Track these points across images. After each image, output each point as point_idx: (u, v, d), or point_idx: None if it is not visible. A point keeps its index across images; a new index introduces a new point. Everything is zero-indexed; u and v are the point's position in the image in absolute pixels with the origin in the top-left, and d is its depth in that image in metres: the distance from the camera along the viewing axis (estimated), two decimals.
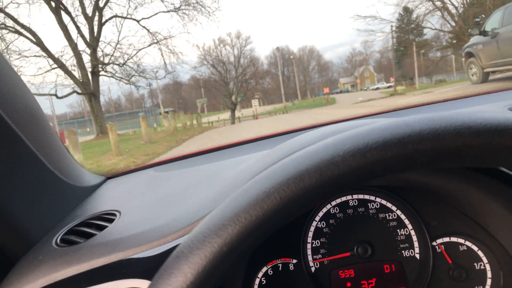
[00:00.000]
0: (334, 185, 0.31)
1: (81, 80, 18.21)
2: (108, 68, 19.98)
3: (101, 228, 0.67)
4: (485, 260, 0.68)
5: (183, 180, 0.84)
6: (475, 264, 0.68)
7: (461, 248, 0.69)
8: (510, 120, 0.31)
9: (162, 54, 24.53)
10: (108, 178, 1.01)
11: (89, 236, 0.65)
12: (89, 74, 18.64)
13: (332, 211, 0.73)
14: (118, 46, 20.46)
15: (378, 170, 0.31)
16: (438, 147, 0.30)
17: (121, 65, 20.27)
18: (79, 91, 18.71)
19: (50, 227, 0.70)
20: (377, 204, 0.73)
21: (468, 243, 0.69)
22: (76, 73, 18.45)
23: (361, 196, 0.73)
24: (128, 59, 20.43)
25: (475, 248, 0.69)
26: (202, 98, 36.19)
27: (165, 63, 22.66)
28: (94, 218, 0.71)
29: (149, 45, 21.43)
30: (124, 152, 9.42)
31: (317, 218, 0.73)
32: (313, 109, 27.74)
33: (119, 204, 0.76)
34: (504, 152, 0.31)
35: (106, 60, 19.84)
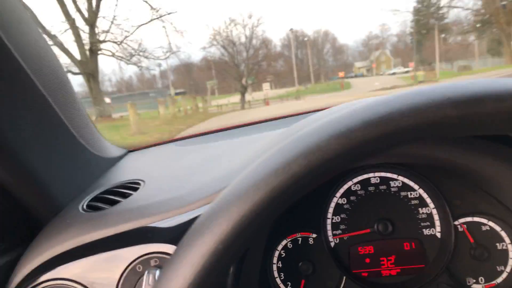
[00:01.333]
0: (321, 172, 0.32)
1: (79, 59, 17.01)
2: (108, 46, 18.54)
3: (125, 196, 0.69)
4: (507, 240, 0.69)
5: (206, 154, 0.86)
6: (497, 244, 0.69)
7: (483, 228, 0.70)
8: (484, 88, 0.31)
9: (166, 32, 22.30)
10: (130, 151, 1.04)
11: (114, 203, 0.67)
12: (87, 53, 17.08)
13: (353, 188, 0.75)
14: (116, 22, 18.96)
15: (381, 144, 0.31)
16: (419, 122, 0.30)
17: (118, 43, 18.50)
18: (74, 70, 17.34)
19: (76, 194, 0.73)
20: (399, 182, 0.74)
21: (491, 223, 0.70)
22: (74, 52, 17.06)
23: (383, 174, 0.74)
24: (126, 37, 18.56)
25: (498, 228, 0.69)
26: (212, 80, 35.86)
27: (169, 42, 21.35)
28: (118, 187, 0.74)
29: (150, 21, 19.39)
30: None
31: (338, 194, 0.75)
32: (327, 94, 27.13)
33: (142, 174, 0.79)
34: (487, 119, 0.30)
35: (104, 37, 18.01)
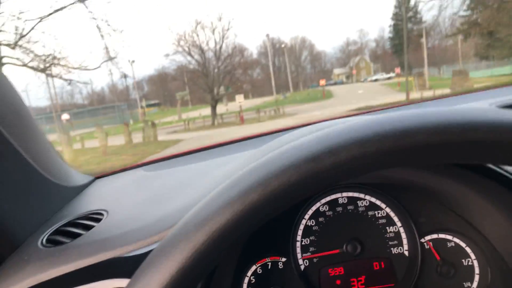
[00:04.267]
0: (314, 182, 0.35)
1: None
2: (19, 54, 13.28)
3: (88, 228, 0.72)
4: (473, 256, 0.75)
5: (172, 179, 0.89)
6: (463, 260, 0.75)
7: (449, 245, 0.76)
8: (459, 116, 0.35)
9: (100, 33, 15.25)
10: (97, 178, 1.06)
11: (75, 236, 0.70)
12: None
13: (322, 209, 0.80)
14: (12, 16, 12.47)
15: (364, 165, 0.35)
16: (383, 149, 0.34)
17: (12, 45, 12.93)
18: None
19: (36, 227, 0.75)
20: (366, 202, 0.79)
21: (456, 240, 0.76)
22: None
23: (350, 194, 0.79)
24: (22, 36, 12.78)
25: (463, 244, 0.75)
26: (182, 92, 35.09)
27: (105, 46, 16.76)
28: (81, 218, 0.76)
29: (56, 12, 13.16)
30: None
31: (307, 216, 0.79)
32: (308, 104, 26.44)
33: (107, 204, 0.81)
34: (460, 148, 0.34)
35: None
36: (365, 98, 23.36)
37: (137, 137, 15.95)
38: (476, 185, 0.65)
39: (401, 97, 20.34)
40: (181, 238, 0.35)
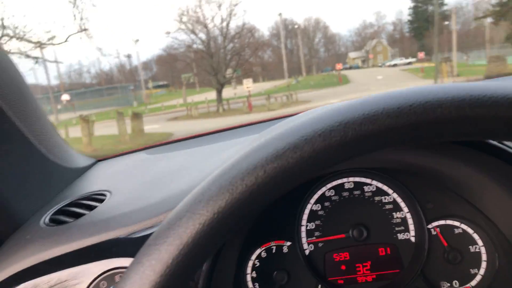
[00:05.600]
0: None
1: None
2: None
3: (91, 208, 0.75)
4: (480, 242, 0.77)
5: (175, 162, 0.92)
6: (470, 247, 0.77)
7: (456, 231, 0.78)
8: (449, 90, 0.36)
9: None
10: (99, 160, 1.10)
11: (78, 216, 0.73)
12: None
13: (327, 193, 0.82)
14: None
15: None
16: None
17: None
18: None
19: (39, 207, 0.78)
20: (373, 187, 0.81)
21: (463, 226, 0.78)
22: None
23: (357, 179, 0.82)
24: None
25: (470, 231, 0.77)
26: (187, 73, 34.36)
27: (74, 14, 12.93)
28: (84, 198, 0.79)
29: None
30: None
31: (312, 201, 0.82)
32: (323, 90, 25.23)
33: (110, 185, 0.85)
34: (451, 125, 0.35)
35: None
36: (386, 84, 22.48)
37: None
38: (487, 167, 0.67)
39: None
40: (186, 215, 0.36)
